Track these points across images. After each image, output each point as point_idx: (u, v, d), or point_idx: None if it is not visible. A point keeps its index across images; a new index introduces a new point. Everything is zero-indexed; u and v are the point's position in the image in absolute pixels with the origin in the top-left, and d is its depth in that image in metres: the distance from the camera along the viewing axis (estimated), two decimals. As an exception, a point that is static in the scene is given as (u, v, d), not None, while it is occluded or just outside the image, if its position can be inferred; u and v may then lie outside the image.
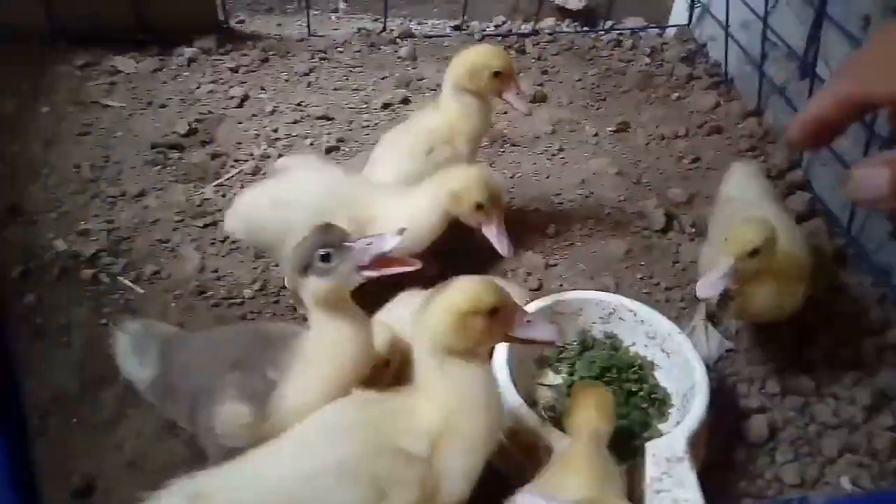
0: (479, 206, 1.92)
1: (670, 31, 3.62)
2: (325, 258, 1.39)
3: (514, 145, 2.83)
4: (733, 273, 1.71)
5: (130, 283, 2.14)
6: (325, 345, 1.47)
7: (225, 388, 1.46)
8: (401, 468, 1.28)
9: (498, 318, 1.32)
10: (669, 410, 1.77)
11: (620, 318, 1.89)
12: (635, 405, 1.77)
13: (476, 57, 2.08)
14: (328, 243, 1.39)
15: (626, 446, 1.65)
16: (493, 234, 1.97)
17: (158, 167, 2.57)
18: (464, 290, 1.31)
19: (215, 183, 2.51)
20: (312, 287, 1.42)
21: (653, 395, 1.78)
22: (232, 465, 1.33)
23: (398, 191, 1.99)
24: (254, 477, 1.30)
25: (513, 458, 1.59)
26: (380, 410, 1.36)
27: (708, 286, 1.73)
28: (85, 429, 1.80)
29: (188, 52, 3.14)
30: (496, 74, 2.07)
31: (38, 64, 3.04)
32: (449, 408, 1.32)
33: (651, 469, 1.49)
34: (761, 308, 1.84)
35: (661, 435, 1.64)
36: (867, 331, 2.12)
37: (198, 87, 2.98)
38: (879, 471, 1.79)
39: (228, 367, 1.49)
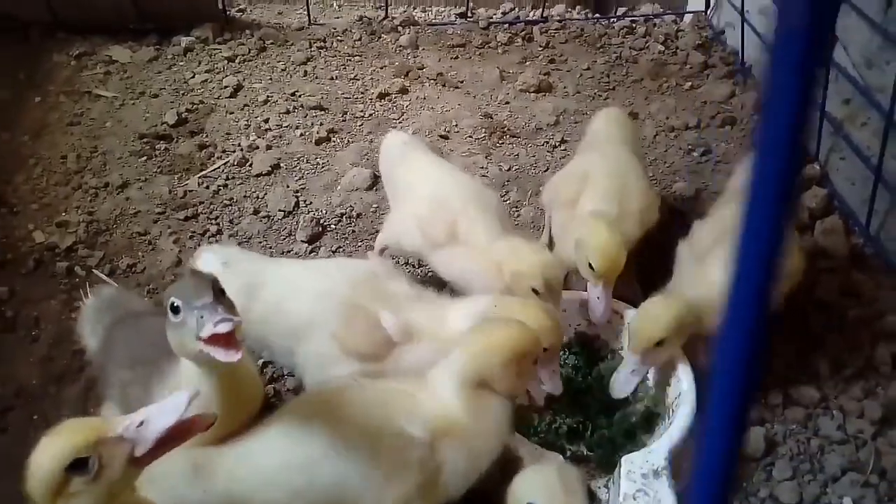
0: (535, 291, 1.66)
1: (686, 18, 3.45)
2: (174, 310, 1.21)
3: (513, 136, 2.71)
4: (642, 367, 1.60)
5: (105, 277, 2.09)
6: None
7: (114, 386, 1.42)
8: (402, 449, 1.29)
9: (543, 358, 1.44)
10: (656, 421, 1.65)
11: (608, 321, 1.77)
12: (620, 417, 1.65)
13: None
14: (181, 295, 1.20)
15: (608, 460, 1.54)
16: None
17: (144, 158, 2.51)
18: (521, 331, 1.36)
19: (200, 174, 2.44)
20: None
21: (638, 406, 1.66)
22: (228, 447, 1.33)
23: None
24: (253, 456, 1.31)
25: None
26: (381, 394, 1.38)
27: (620, 386, 1.61)
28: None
29: (185, 41, 3.08)
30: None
31: (35, 54, 3.01)
32: (465, 425, 1.34)
33: (625, 485, 1.37)
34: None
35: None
36: (882, 336, 1.96)
37: (192, 77, 2.92)
38: (888, 491, 1.64)
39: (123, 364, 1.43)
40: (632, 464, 1.40)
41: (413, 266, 2.13)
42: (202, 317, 1.16)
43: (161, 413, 1.07)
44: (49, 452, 1.06)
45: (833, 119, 2.46)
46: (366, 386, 1.40)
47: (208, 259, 1.68)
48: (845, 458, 1.69)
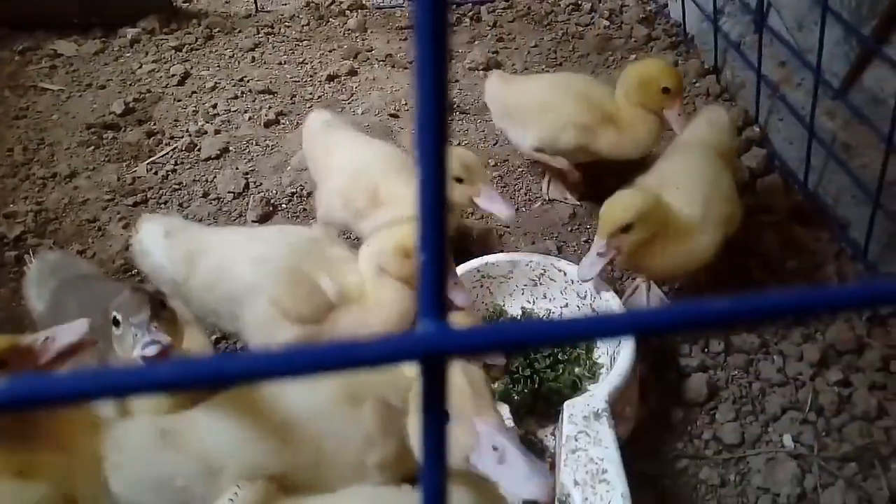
0: (459, 180, 1.80)
1: (630, -7, 3.51)
2: (115, 323, 1.26)
3: (462, 112, 2.75)
4: (608, 251, 1.65)
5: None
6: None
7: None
8: (387, 416, 1.27)
9: None
10: (600, 371, 1.69)
11: (551, 279, 1.82)
12: (564, 368, 1.69)
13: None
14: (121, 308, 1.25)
15: (555, 410, 1.58)
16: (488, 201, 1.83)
17: (92, 148, 2.50)
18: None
19: (148, 161, 2.44)
20: None
21: (581, 358, 1.70)
22: (200, 410, 1.31)
23: None
24: (222, 421, 1.28)
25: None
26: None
27: (585, 268, 1.66)
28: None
29: (131, 32, 3.07)
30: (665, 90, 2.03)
31: (-23, 51, 2.98)
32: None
33: (567, 428, 1.41)
34: (658, 270, 1.77)
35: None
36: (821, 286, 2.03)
37: (139, 68, 2.91)
38: (825, 427, 1.71)
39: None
40: (573, 408, 1.44)
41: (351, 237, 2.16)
42: (135, 335, 1.21)
43: (65, 332, 1.23)
44: None
45: (770, 81, 2.53)
46: None
47: (150, 229, 1.69)
48: (785, 398, 1.75)
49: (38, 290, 1.61)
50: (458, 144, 2.59)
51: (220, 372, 0.28)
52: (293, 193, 2.34)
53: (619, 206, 1.65)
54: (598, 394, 1.47)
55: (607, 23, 3.30)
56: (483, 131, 2.66)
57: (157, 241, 1.65)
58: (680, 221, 1.71)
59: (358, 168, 1.90)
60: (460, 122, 2.71)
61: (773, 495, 1.58)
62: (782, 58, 2.54)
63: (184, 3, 3.40)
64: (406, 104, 2.78)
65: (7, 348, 1.20)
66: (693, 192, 1.78)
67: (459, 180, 1.81)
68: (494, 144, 2.60)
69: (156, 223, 1.67)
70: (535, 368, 1.69)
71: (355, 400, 1.28)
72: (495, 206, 1.82)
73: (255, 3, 3.31)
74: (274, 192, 2.34)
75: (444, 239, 0.32)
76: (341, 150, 1.97)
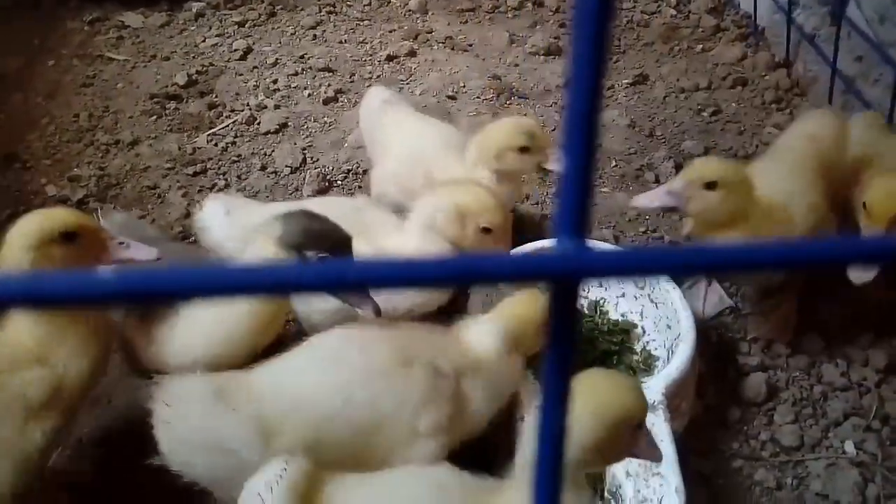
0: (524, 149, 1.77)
1: (699, -18, 3.41)
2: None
3: (521, 97, 2.71)
4: (679, 196, 1.57)
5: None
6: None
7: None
8: (434, 378, 1.30)
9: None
10: (656, 364, 1.65)
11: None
12: (621, 363, 1.66)
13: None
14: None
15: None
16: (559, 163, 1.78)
17: (155, 117, 2.54)
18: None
19: (209, 132, 2.47)
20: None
21: (638, 352, 1.66)
22: (255, 371, 1.31)
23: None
24: (283, 377, 1.28)
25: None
26: (410, 330, 1.41)
27: (646, 196, 1.62)
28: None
29: (196, 6, 3.11)
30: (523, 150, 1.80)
31: (49, 21, 3.04)
32: (493, 369, 1.39)
33: (622, 419, 1.37)
34: None
35: (646, 389, 1.53)
36: (894, 287, 1.94)
37: (203, 41, 2.94)
38: (890, 436, 1.63)
39: None
40: (629, 398, 1.40)
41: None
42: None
43: (139, 248, 1.33)
44: (52, 214, 1.26)
45: (845, 77, 2.43)
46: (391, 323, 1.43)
47: (213, 208, 1.75)
48: (848, 403, 1.68)
49: None
50: (516, 129, 2.55)
51: (360, 276, 0.26)
52: (349, 170, 2.34)
53: (713, 161, 1.63)
54: (654, 386, 1.43)
55: (674, 11, 3.21)
56: (542, 116, 2.62)
57: (218, 219, 1.71)
58: (762, 215, 1.63)
59: (414, 148, 1.88)
60: (519, 106, 2.68)
61: (833, 502, 1.52)
62: (860, 52, 2.43)
63: (248, -21, 3.42)
64: (464, 86, 2.74)
65: (85, 225, 1.26)
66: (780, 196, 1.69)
67: (525, 149, 1.78)
68: (553, 130, 2.56)
69: (218, 202, 1.72)
70: (586, 360, 1.65)
71: (409, 364, 1.29)
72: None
73: (319, -20, 3.31)
74: (330, 168, 2.34)
75: (592, 149, 0.30)
76: (398, 129, 1.96)
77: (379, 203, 1.73)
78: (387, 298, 1.49)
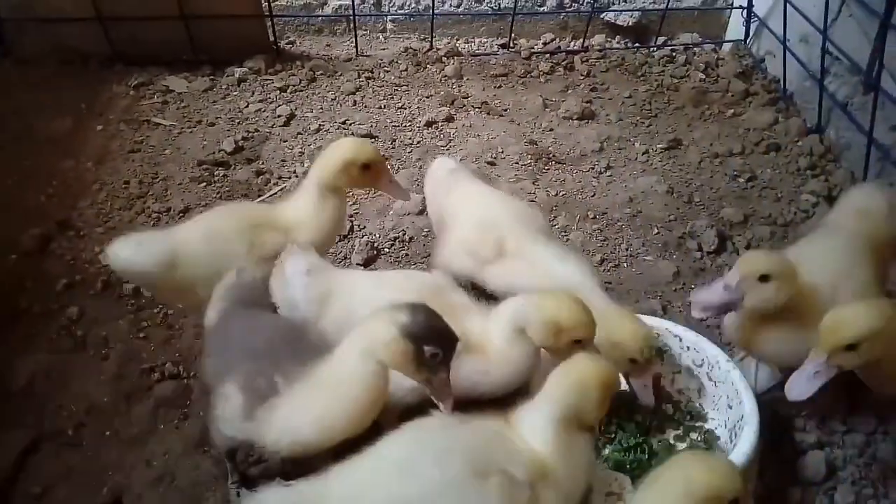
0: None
1: (726, 47, 3.50)
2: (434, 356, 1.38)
3: (559, 163, 2.76)
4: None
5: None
6: (340, 379, 1.41)
7: (231, 375, 1.45)
8: (509, 488, 1.27)
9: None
10: (716, 441, 1.66)
11: (666, 344, 1.80)
12: (682, 439, 1.67)
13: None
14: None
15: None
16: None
17: (204, 184, 2.60)
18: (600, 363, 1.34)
19: (258, 200, 2.52)
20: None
21: (699, 437, 1.68)
22: (329, 480, 1.30)
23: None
24: (362, 490, 1.27)
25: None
26: (481, 434, 1.36)
27: (706, 293, 1.61)
28: (117, 442, 1.81)
29: (238, 72, 3.20)
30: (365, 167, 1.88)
31: (95, 84, 3.13)
32: (558, 467, 1.34)
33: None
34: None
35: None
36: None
37: (246, 106, 3.02)
38: (951, 517, 1.63)
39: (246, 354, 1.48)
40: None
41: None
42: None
43: (399, 190, 1.98)
44: (363, 147, 1.87)
45: (882, 145, 2.47)
46: (463, 422, 1.40)
47: (295, 266, 1.70)
48: (908, 483, 1.68)
49: (217, 300, 1.66)
50: (556, 195, 2.60)
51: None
52: (395, 238, 2.38)
53: (760, 254, 1.61)
54: (724, 471, 1.43)
55: (703, 76, 3.29)
56: (580, 181, 2.67)
57: (299, 278, 1.66)
58: (807, 305, 1.62)
59: (486, 217, 1.91)
60: (557, 171, 2.73)
61: (900, 586, 1.52)
62: (894, 121, 2.48)
63: (287, 45, 3.53)
64: (502, 151, 2.80)
65: (378, 161, 1.88)
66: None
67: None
68: (592, 196, 2.61)
69: (301, 260, 1.68)
70: (634, 443, 1.65)
71: (484, 475, 1.27)
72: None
73: (356, 47, 3.41)
74: (377, 235, 2.39)
75: None
76: (468, 198, 1.99)
77: (450, 278, 1.76)
78: (467, 377, 1.51)
